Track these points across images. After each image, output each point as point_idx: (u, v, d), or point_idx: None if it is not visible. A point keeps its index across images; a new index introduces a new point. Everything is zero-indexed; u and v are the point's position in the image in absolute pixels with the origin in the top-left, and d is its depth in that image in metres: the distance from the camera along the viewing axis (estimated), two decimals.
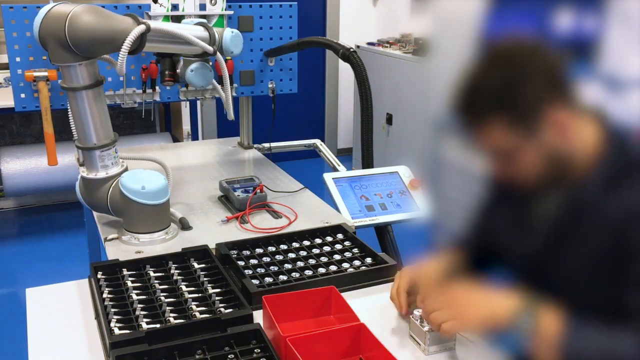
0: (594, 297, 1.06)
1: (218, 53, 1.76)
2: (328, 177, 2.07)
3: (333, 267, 1.55)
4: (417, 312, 1.26)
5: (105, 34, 1.56)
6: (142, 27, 1.54)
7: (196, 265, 1.53)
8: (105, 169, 1.73)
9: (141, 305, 1.35)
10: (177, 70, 1.97)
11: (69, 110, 1.73)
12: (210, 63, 1.90)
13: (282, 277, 1.51)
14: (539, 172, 1.07)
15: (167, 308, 1.35)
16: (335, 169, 2.35)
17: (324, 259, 1.59)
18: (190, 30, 1.71)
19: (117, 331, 1.26)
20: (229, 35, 1.77)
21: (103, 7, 2.15)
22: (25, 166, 3.98)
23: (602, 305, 1.05)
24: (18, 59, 2.12)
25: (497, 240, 1.26)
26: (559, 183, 1.08)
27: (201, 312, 1.34)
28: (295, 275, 1.51)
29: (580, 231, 1.07)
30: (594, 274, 1.05)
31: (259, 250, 1.64)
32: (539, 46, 1.05)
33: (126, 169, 1.76)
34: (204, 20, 1.86)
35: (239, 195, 1.92)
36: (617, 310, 1.01)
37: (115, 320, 1.30)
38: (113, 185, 1.72)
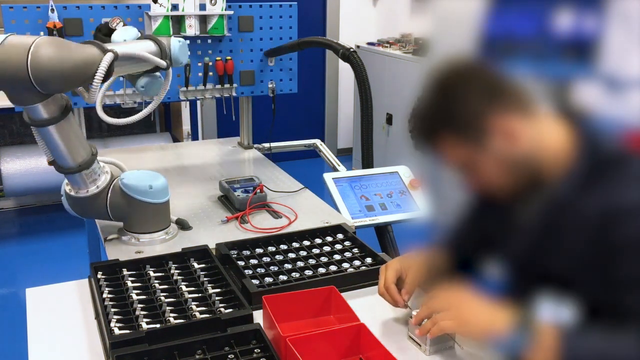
0: (583, 297, 1.06)
1: (169, 69, 1.62)
2: (328, 177, 2.07)
3: (333, 267, 1.55)
4: (415, 313, 1.26)
5: (74, 68, 1.39)
6: (110, 55, 1.42)
7: (196, 265, 1.53)
8: (95, 183, 1.63)
9: (141, 305, 1.35)
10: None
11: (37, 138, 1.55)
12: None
13: (282, 277, 1.51)
14: (505, 179, 1.11)
15: (167, 308, 1.35)
16: (335, 169, 2.35)
17: (324, 259, 1.59)
18: (144, 47, 1.58)
19: (117, 331, 1.26)
20: (177, 46, 1.62)
21: (103, 7, 2.17)
22: (25, 166, 3.98)
23: (593, 304, 1.05)
24: None
25: (485, 242, 1.26)
26: (534, 187, 1.10)
27: (201, 312, 1.34)
28: (295, 275, 1.51)
29: (562, 232, 1.08)
30: (579, 273, 1.06)
31: (259, 250, 1.64)
32: (470, 65, 1.12)
33: (109, 172, 1.69)
34: (150, 34, 1.73)
35: (239, 195, 1.93)
36: (608, 309, 1.02)
37: (115, 320, 1.30)
38: (110, 193, 1.65)
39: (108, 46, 1.47)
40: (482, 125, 1.07)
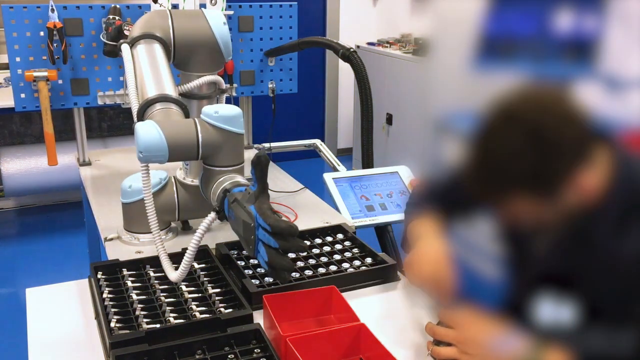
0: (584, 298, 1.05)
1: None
2: (328, 177, 2.07)
3: (333, 267, 1.55)
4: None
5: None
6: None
7: (196, 265, 1.53)
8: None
9: (141, 305, 1.36)
10: None
11: None
12: None
13: None
14: (549, 219, 1.01)
15: (167, 308, 1.35)
16: (335, 169, 2.35)
17: (324, 259, 1.59)
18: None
19: (117, 331, 1.26)
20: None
21: (103, 7, 2.17)
22: (25, 166, 3.98)
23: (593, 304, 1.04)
24: (18, 59, 2.12)
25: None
26: (563, 221, 1.02)
27: (201, 312, 1.34)
28: (295, 275, 1.51)
29: (590, 272, 1.02)
30: (602, 315, 1.01)
31: None
32: (568, 108, 0.95)
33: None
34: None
35: None
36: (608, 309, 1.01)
37: (115, 320, 1.30)
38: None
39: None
40: (569, 183, 0.94)
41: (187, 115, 1.44)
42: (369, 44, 4.90)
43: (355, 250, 1.66)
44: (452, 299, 1.21)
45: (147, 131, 1.27)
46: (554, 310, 1.04)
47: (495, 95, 0.97)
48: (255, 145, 2.68)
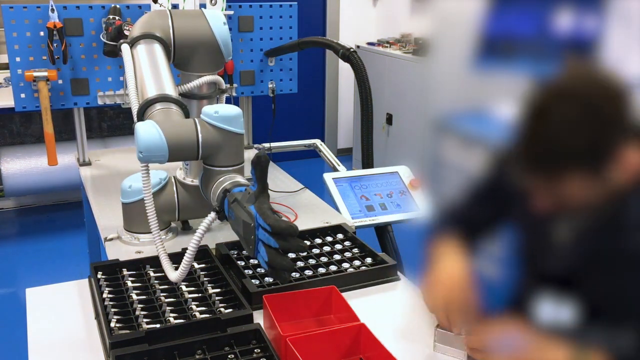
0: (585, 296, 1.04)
1: None
2: (328, 177, 2.07)
3: (333, 267, 1.55)
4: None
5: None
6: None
7: (196, 265, 1.53)
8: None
9: (141, 305, 1.36)
10: None
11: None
12: None
13: None
14: (589, 203, 0.99)
15: (167, 308, 1.35)
16: (335, 169, 2.35)
17: (324, 259, 1.59)
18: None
19: (117, 331, 1.26)
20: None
21: (103, 7, 2.17)
22: (25, 166, 3.98)
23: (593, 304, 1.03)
24: (18, 59, 2.12)
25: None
26: (598, 205, 1.00)
27: (201, 312, 1.34)
28: (296, 275, 1.51)
29: (616, 261, 1.00)
30: (630, 305, 1.01)
31: None
32: (619, 87, 0.94)
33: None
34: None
35: None
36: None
37: (115, 320, 1.30)
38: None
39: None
40: (618, 161, 0.93)
41: (187, 115, 1.44)
42: (369, 44, 4.90)
43: (355, 250, 1.66)
44: (471, 321, 1.19)
45: (147, 131, 1.27)
46: (555, 309, 1.04)
47: (538, 78, 0.96)
48: (255, 145, 2.68)
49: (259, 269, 1.54)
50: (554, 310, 1.05)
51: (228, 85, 2.41)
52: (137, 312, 1.33)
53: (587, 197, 0.98)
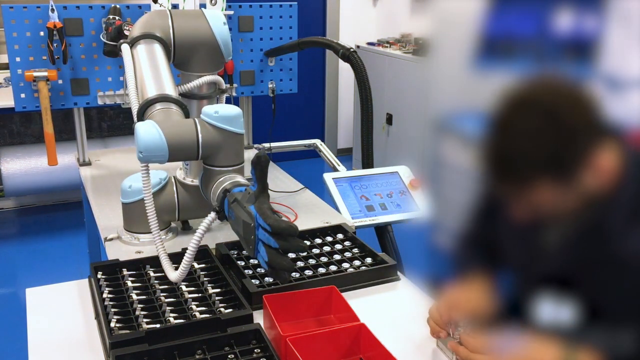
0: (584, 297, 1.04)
1: None
2: (328, 177, 2.07)
3: (333, 267, 1.55)
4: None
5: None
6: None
7: (196, 265, 1.53)
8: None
9: (141, 305, 1.36)
10: None
11: None
12: None
13: None
14: (567, 210, 0.99)
15: (167, 308, 1.35)
16: (335, 169, 2.35)
17: (324, 259, 1.59)
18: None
19: (117, 331, 1.26)
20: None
21: (103, 7, 2.17)
22: (25, 166, 3.98)
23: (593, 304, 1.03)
24: (18, 59, 2.12)
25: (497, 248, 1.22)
26: (582, 209, 1.00)
27: (201, 312, 1.34)
28: (295, 275, 1.51)
29: (604, 266, 1.01)
30: (612, 312, 1.01)
31: None
32: (580, 93, 0.95)
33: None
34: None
35: None
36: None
37: (115, 320, 1.30)
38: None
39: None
40: (586, 165, 0.93)
41: (187, 115, 1.44)
42: (369, 44, 4.90)
43: (355, 250, 1.66)
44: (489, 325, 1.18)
45: (147, 131, 1.27)
46: (554, 309, 1.04)
47: (502, 89, 0.97)
48: (255, 145, 2.68)
49: (259, 269, 1.54)
50: (549, 310, 1.05)
51: (228, 85, 2.41)
52: (137, 312, 1.33)
53: (562, 205, 0.98)
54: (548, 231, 1.07)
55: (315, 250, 1.65)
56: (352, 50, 2.10)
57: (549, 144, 0.92)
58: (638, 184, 0.99)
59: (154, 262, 1.53)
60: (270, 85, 2.50)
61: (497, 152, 0.97)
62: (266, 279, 1.50)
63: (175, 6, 2.18)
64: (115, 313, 1.32)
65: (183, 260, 1.28)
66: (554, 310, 1.05)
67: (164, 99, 1.42)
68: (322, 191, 2.13)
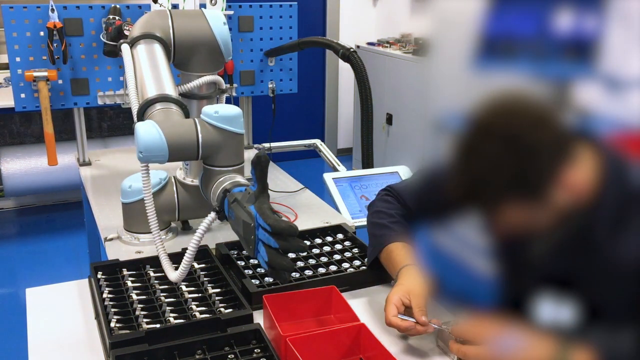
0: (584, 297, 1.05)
1: None
2: (328, 177, 2.07)
3: (333, 267, 1.55)
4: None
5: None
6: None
7: (196, 265, 1.53)
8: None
9: (141, 305, 1.36)
10: None
11: None
12: None
13: None
14: (544, 226, 1.00)
15: (167, 308, 1.35)
16: (335, 169, 2.35)
17: (324, 259, 1.59)
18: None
19: (117, 331, 1.26)
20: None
21: (103, 7, 2.17)
22: (25, 166, 3.98)
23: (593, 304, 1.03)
24: (18, 59, 2.12)
25: None
26: (559, 223, 1.01)
27: (201, 312, 1.34)
28: (296, 275, 1.51)
29: (590, 273, 1.01)
30: (606, 315, 1.01)
31: None
32: (540, 112, 0.96)
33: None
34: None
35: None
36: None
37: (115, 320, 1.30)
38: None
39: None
40: (553, 183, 0.93)
41: (187, 115, 1.44)
42: (369, 44, 4.90)
43: (355, 250, 1.66)
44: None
45: (147, 131, 1.27)
46: (554, 312, 1.04)
47: (469, 111, 0.98)
48: (255, 145, 2.68)
49: (259, 269, 1.54)
50: (548, 310, 1.05)
51: (228, 85, 2.41)
52: (137, 312, 1.33)
53: (538, 222, 0.99)
54: (534, 244, 1.06)
55: (315, 250, 1.65)
56: (352, 50, 2.10)
57: (511, 168, 0.93)
58: (618, 189, 0.99)
59: (154, 262, 1.53)
60: (270, 85, 2.50)
61: (463, 179, 0.98)
62: (266, 279, 1.50)
63: (175, 6, 2.18)
64: (115, 313, 1.32)
65: (183, 260, 1.28)
66: (552, 309, 1.05)
67: (164, 99, 1.42)
68: (322, 191, 2.13)
